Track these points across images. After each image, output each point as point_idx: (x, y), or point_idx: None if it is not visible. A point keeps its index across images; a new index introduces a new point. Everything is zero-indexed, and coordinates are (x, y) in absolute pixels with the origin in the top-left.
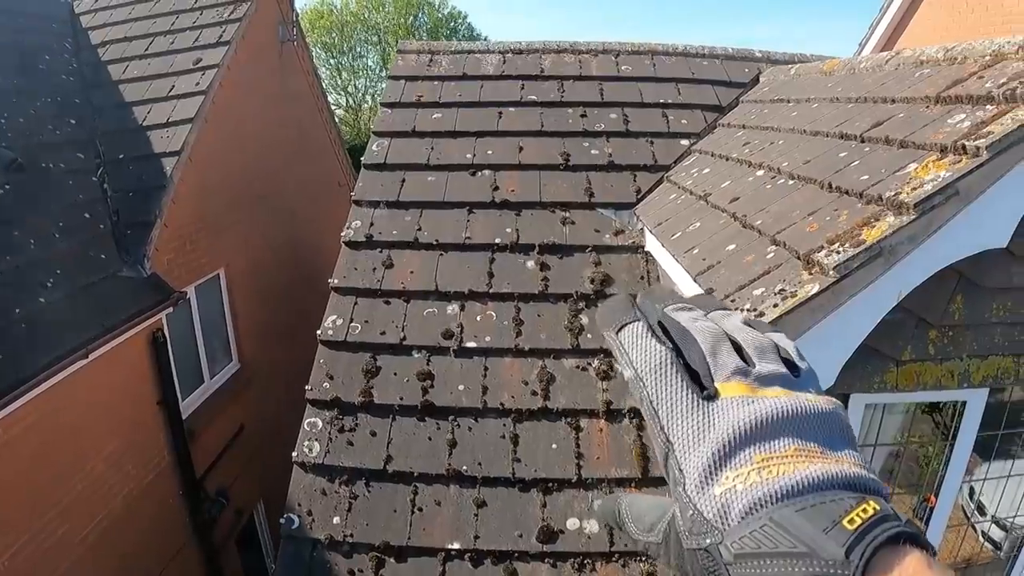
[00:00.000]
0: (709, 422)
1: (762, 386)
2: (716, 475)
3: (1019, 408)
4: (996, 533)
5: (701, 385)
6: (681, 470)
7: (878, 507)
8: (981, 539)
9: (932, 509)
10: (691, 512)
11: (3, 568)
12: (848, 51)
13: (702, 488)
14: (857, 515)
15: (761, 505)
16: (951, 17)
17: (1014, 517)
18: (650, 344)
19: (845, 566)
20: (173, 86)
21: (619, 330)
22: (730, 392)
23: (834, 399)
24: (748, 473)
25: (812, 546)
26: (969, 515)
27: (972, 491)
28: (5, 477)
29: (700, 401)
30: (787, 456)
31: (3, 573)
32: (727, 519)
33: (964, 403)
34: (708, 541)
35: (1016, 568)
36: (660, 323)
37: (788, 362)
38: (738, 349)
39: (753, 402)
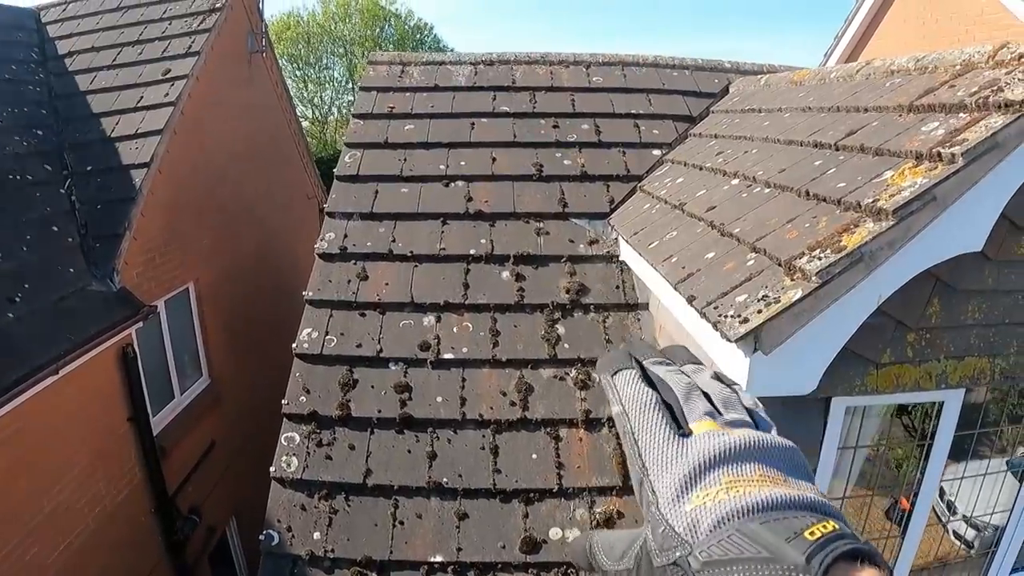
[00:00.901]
0: (683, 450)
1: (731, 428)
2: (687, 493)
3: (983, 408)
4: (967, 532)
5: (679, 425)
6: (654, 491)
7: (837, 527)
8: (953, 538)
9: (905, 511)
10: (663, 528)
11: None
12: (809, 63)
13: (674, 505)
14: (818, 529)
15: (729, 519)
16: (915, 27)
17: (984, 516)
18: (639, 387)
19: (806, 571)
20: (142, 97)
21: (614, 374)
22: (702, 429)
23: (791, 442)
24: (717, 492)
25: (775, 553)
26: (940, 515)
27: (942, 491)
28: None
29: (676, 435)
30: (753, 479)
31: None
32: (696, 532)
33: (942, 404)
34: (678, 554)
35: (993, 568)
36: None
37: (750, 412)
38: (708, 399)
39: (723, 435)
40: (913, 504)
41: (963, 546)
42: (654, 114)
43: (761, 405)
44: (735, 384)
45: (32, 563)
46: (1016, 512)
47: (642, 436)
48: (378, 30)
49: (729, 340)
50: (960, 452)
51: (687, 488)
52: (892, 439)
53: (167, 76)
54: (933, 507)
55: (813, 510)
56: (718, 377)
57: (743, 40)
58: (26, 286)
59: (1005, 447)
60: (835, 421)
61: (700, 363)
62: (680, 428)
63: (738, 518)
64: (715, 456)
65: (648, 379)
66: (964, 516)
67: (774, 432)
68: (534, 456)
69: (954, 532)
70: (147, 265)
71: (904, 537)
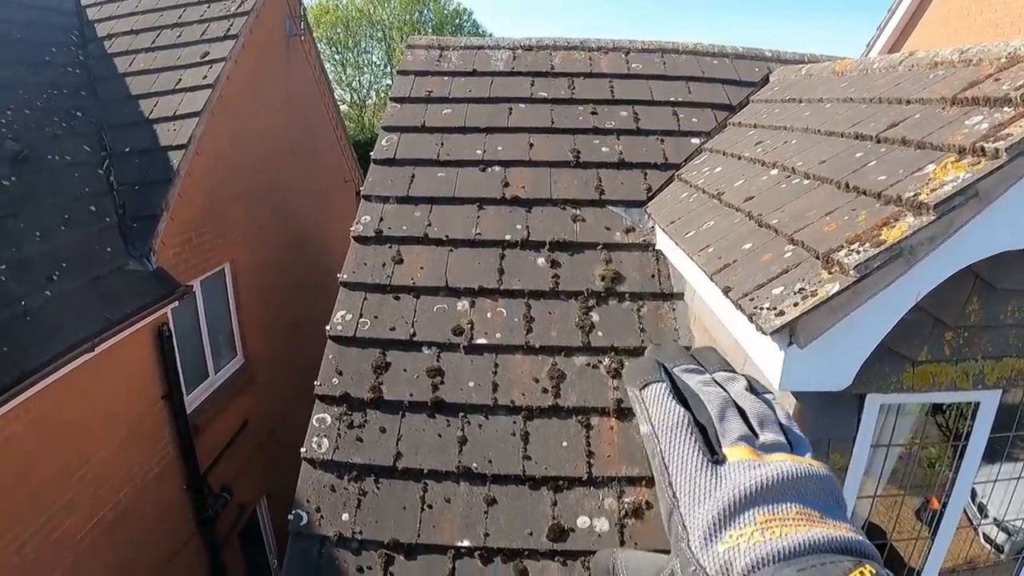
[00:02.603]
0: (716, 483)
1: (766, 453)
2: (720, 533)
3: (1019, 410)
4: (998, 536)
5: (711, 448)
6: (685, 526)
7: (874, 571)
8: (983, 541)
9: (935, 512)
10: (693, 568)
11: (10, 562)
12: (851, 53)
13: (706, 545)
14: (856, 575)
15: (763, 564)
16: (959, 19)
17: (1017, 520)
18: (669, 405)
19: None
20: (180, 79)
21: (643, 387)
22: (736, 456)
23: (826, 465)
24: (752, 533)
25: None
26: (971, 517)
27: (974, 493)
28: (11, 471)
29: (709, 463)
30: (789, 518)
31: (11, 567)
32: None
33: (977, 404)
34: None
35: (1023, 573)
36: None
37: (784, 429)
38: (742, 414)
39: (759, 466)
40: (945, 505)
41: (993, 550)
42: (693, 102)
43: (795, 421)
44: (768, 393)
45: (69, 533)
46: None
47: (673, 462)
48: (417, 14)
49: (764, 333)
50: (994, 454)
51: (720, 526)
52: (926, 438)
53: (205, 59)
54: (964, 509)
55: (850, 552)
56: (752, 388)
57: (782, 29)
58: (64, 265)
59: None
60: (869, 418)
61: (732, 369)
62: (714, 454)
63: (773, 562)
64: (751, 492)
65: (678, 392)
66: (995, 519)
67: (809, 455)
68: (564, 444)
69: (984, 535)
70: (184, 245)
71: (934, 538)
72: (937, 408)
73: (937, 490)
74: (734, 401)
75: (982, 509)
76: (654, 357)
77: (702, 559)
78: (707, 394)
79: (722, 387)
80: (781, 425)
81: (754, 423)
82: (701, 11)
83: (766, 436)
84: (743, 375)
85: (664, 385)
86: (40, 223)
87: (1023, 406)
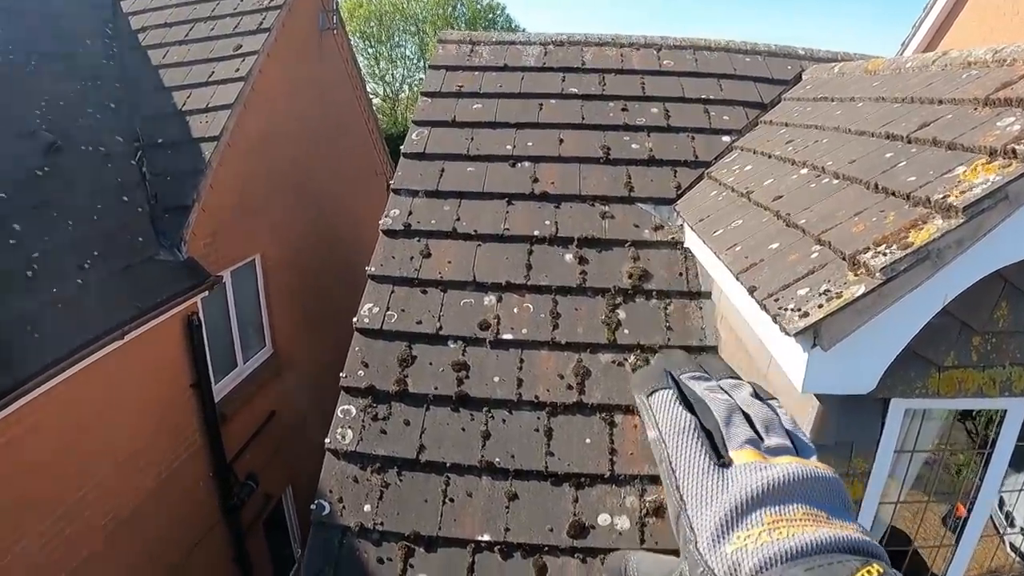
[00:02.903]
0: (723, 485)
1: (772, 456)
2: (728, 534)
3: None
4: (1023, 544)
5: (718, 452)
6: (692, 528)
7: (881, 570)
8: (1009, 551)
9: (961, 519)
10: (701, 570)
11: (38, 546)
12: (885, 52)
13: (714, 546)
14: (863, 574)
15: (771, 564)
16: (996, 18)
17: None
18: (676, 410)
19: None
20: (213, 72)
21: (650, 394)
22: (743, 459)
23: (831, 469)
24: (759, 533)
25: None
26: (998, 525)
27: (1001, 502)
28: (39, 457)
29: (715, 466)
30: (796, 519)
31: (38, 551)
32: None
33: (1004, 412)
34: None
35: None
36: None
37: (790, 434)
38: (748, 420)
39: (765, 468)
40: (969, 512)
41: (1019, 559)
42: (725, 100)
43: (801, 428)
44: (773, 399)
45: (95, 518)
46: None
47: (680, 466)
48: (450, 8)
49: (788, 334)
50: (1021, 462)
51: (728, 528)
52: (952, 444)
53: (238, 51)
54: (991, 517)
55: (857, 552)
56: (757, 394)
57: (818, 29)
58: (95, 254)
59: None
60: (893, 423)
61: (738, 377)
62: (720, 457)
63: (781, 563)
64: (757, 493)
65: (686, 399)
66: (1022, 528)
67: (815, 458)
68: (588, 440)
69: (1011, 544)
70: (214, 236)
71: (958, 545)
72: (966, 414)
73: (963, 497)
74: (739, 407)
75: (1009, 518)
76: (662, 365)
77: (710, 560)
78: (713, 400)
79: (728, 393)
80: (787, 430)
81: (760, 428)
82: (738, 9)
83: (772, 440)
84: (748, 382)
85: (671, 392)
86: (73, 213)
87: None
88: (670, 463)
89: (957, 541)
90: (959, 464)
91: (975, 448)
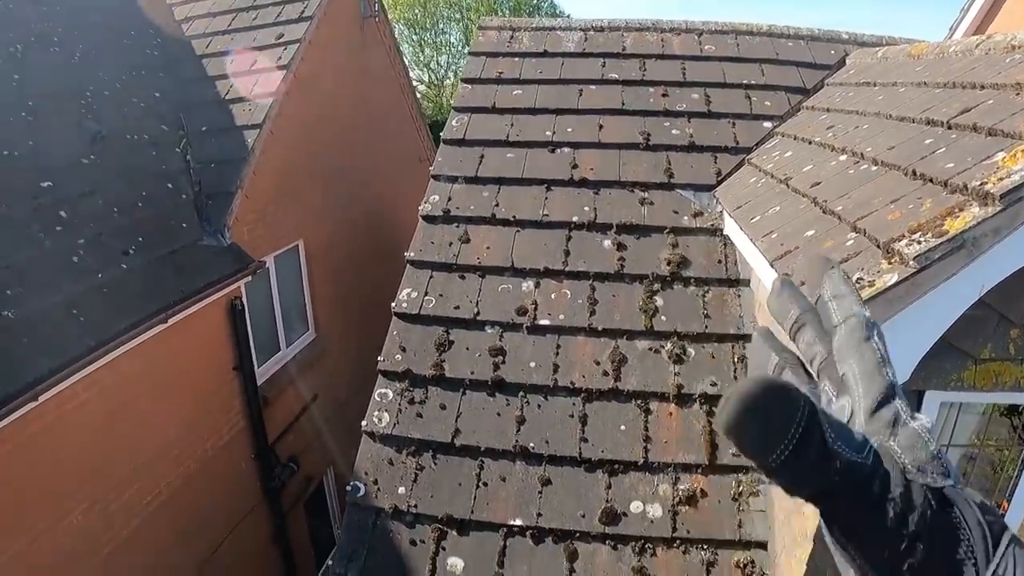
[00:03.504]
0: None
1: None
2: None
3: None
4: None
5: None
6: (908, 404)
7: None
8: None
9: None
10: (934, 448)
11: (83, 522)
12: (932, 38)
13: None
14: None
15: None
16: None
17: None
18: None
19: None
20: (255, 60)
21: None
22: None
23: None
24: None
25: None
26: None
27: None
28: (85, 437)
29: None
30: None
31: (82, 525)
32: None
33: None
34: (950, 482)
35: None
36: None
37: None
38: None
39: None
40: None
41: None
42: (766, 85)
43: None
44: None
45: (135, 499)
46: None
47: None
48: None
49: None
50: None
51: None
52: (991, 440)
53: (280, 40)
54: None
55: None
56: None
57: (858, 10)
58: (140, 239)
59: None
60: (928, 417)
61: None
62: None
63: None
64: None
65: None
66: None
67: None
68: (622, 427)
69: None
70: (258, 222)
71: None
72: (1013, 408)
73: (1004, 494)
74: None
75: None
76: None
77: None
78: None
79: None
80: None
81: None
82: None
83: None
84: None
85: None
86: (118, 200)
87: None
88: (886, 348)
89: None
90: (1003, 460)
91: (1018, 444)
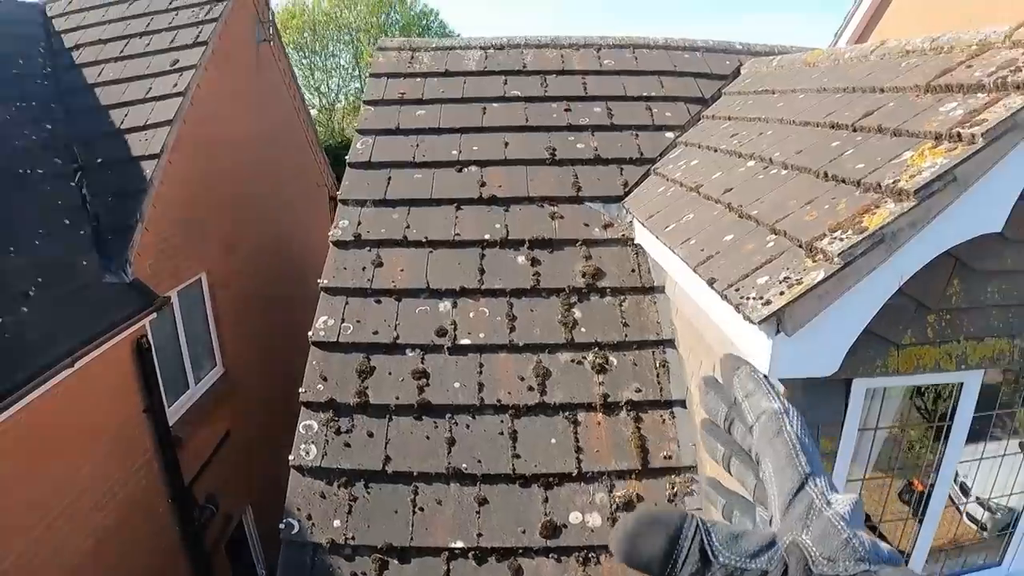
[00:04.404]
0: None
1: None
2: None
3: (999, 391)
4: (980, 513)
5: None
6: (825, 492)
7: None
8: (966, 520)
9: (920, 493)
10: (847, 536)
11: None
12: (818, 44)
13: (854, 519)
14: None
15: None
16: (927, 6)
17: (998, 498)
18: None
19: None
20: (150, 88)
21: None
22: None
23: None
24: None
25: None
26: (954, 498)
27: (956, 473)
28: None
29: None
30: None
31: None
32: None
33: (961, 384)
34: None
35: (1011, 548)
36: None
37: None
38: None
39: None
40: (932, 486)
41: (977, 528)
42: (666, 96)
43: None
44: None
45: (54, 553)
46: None
47: (808, 441)
48: (383, 16)
49: (752, 322)
50: (973, 434)
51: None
52: (909, 421)
53: (175, 66)
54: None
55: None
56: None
57: (736, 23)
58: (40, 280)
59: (1018, 428)
60: (856, 402)
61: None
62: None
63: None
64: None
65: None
66: (977, 498)
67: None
68: (553, 440)
69: (968, 515)
70: (160, 256)
71: (922, 521)
72: (917, 391)
73: (920, 472)
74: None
75: (964, 489)
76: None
77: (858, 531)
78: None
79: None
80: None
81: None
82: (654, 11)
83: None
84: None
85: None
86: (14, 238)
87: (1006, 386)
88: (796, 437)
89: (921, 517)
90: (911, 440)
91: (932, 422)
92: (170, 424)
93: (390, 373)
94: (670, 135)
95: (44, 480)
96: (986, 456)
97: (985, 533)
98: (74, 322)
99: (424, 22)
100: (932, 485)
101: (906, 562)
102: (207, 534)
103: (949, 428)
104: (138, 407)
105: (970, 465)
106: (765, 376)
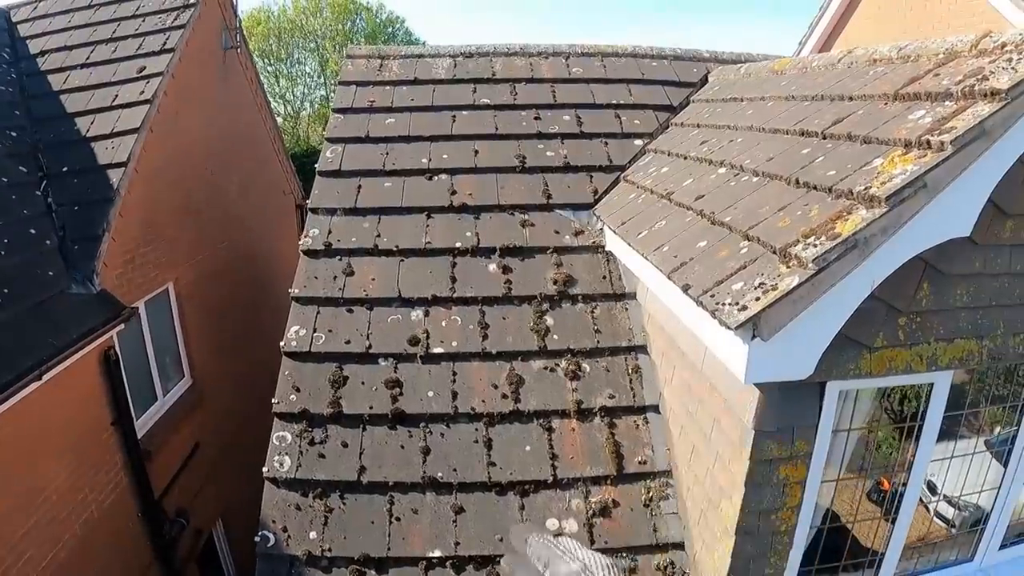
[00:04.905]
0: None
1: None
2: None
3: (966, 390)
4: (949, 511)
5: None
6: None
7: None
8: (934, 518)
9: (886, 492)
10: None
11: None
12: (782, 52)
13: None
14: None
15: None
16: (890, 16)
17: (966, 496)
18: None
19: None
20: (116, 95)
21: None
22: None
23: None
24: None
25: None
26: (922, 496)
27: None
28: None
29: None
30: None
31: None
32: None
33: (932, 385)
34: None
35: (982, 544)
36: None
37: None
38: None
39: None
40: (904, 486)
41: (946, 526)
42: (635, 104)
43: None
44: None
45: (23, 571)
46: (1003, 490)
47: None
48: (349, 24)
49: (728, 328)
50: (942, 433)
51: None
52: (880, 422)
53: (142, 74)
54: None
55: None
56: None
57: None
58: (5, 291)
59: (982, 427)
60: (830, 405)
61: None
62: None
63: None
64: None
65: None
66: (945, 496)
67: None
68: (528, 448)
69: (937, 513)
70: (126, 266)
71: (894, 521)
72: (884, 393)
73: (890, 471)
74: None
75: (931, 487)
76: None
77: None
78: None
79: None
80: None
81: None
82: (619, 14)
83: None
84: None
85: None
86: None
87: (972, 386)
88: None
89: (894, 516)
90: (879, 440)
91: (902, 423)
92: (139, 437)
93: (363, 383)
94: (639, 142)
95: (10, 496)
96: (955, 455)
97: (955, 530)
98: (40, 334)
99: (390, 29)
100: (903, 484)
101: (880, 561)
102: (177, 549)
103: (920, 428)
104: (106, 420)
105: (939, 464)
106: (559, 534)
